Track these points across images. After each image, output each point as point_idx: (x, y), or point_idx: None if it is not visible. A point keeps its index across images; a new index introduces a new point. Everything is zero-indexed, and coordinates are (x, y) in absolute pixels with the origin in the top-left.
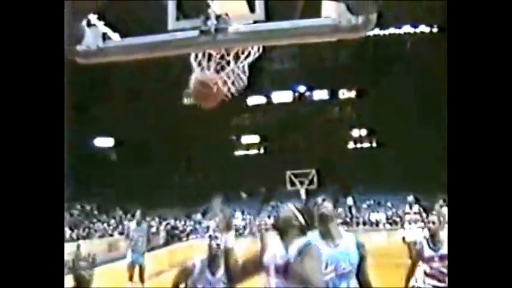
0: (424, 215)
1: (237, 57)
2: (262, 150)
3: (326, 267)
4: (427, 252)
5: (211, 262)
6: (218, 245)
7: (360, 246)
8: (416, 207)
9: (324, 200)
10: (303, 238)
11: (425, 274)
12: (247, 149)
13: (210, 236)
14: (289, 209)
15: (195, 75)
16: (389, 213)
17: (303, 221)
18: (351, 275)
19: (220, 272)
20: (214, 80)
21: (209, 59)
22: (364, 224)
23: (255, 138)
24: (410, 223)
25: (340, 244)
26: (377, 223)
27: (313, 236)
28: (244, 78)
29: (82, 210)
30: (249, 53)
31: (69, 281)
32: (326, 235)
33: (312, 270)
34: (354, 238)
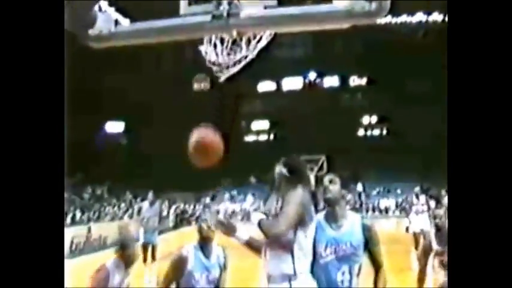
0: (432, 205)
1: (248, 43)
2: (272, 136)
3: (326, 248)
4: (435, 246)
5: (204, 246)
6: (209, 227)
7: (365, 229)
8: (423, 198)
9: (331, 181)
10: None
11: (441, 264)
12: (257, 135)
13: (197, 219)
14: (278, 166)
15: (192, 138)
16: (399, 200)
17: (287, 173)
18: (353, 258)
19: (215, 255)
20: (211, 140)
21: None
22: (374, 210)
23: (264, 124)
24: (417, 214)
25: (343, 226)
26: (386, 210)
27: (319, 217)
28: None
29: (93, 193)
30: (261, 39)
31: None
32: (330, 217)
33: (292, 202)
34: (360, 220)
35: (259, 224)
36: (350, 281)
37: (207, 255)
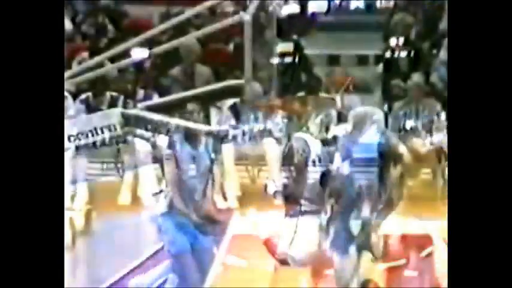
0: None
1: None
2: (297, 58)
3: (344, 160)
4: None
5: (189, 136)
6: (196, 120)
7: (382, 141)
8: (443, 115)
9: (356, 102)
10: None
11: None
12: (282, 57)
13: (183, 113)
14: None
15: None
16: (425, 120)
17: (288, 120)
18: (367, 168)
19: (202, 146)
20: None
21: None
22: (400, 131)
23: (289, 47)
24: (438, 131)
25: (362, 138)
26: (412, 129)
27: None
28: None
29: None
30: None
31: None
32: (354, 135)
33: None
34: (379, 134)
35: (275, 196)
36: (369, 194)
37: (194, 145)
